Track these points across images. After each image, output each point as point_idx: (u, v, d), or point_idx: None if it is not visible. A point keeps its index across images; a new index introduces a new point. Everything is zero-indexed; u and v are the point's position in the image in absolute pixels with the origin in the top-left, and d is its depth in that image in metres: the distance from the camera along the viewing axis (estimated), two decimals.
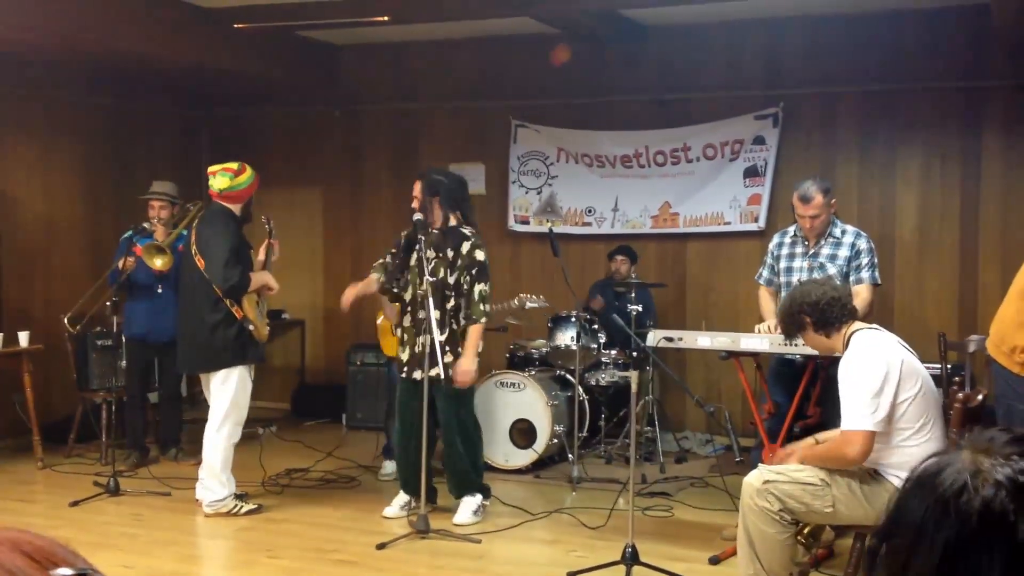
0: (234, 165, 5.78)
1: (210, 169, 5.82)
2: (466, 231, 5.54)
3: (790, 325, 4.08)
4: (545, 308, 7.04)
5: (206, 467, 5.73)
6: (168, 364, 7.05)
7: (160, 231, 6.88)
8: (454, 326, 5.45)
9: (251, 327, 5.67)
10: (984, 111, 7.33)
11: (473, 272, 5.45)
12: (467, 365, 5.40)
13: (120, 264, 6.62)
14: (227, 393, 5.67)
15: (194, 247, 5.74)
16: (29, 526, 3.74)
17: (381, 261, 5.86)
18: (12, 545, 0.80)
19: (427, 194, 5.48)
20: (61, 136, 8.05)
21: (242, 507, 5.78)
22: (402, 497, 5.64)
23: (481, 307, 5.44)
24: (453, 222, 5.52)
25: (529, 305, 6.90)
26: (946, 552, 1.10)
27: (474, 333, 5.44)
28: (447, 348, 5.40)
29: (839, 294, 4.06)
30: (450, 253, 5.46)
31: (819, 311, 3.99)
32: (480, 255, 5.47)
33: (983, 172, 7.34)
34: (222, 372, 5.66)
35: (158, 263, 6.63)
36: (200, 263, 5.67)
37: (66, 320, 7.13)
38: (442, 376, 5.24)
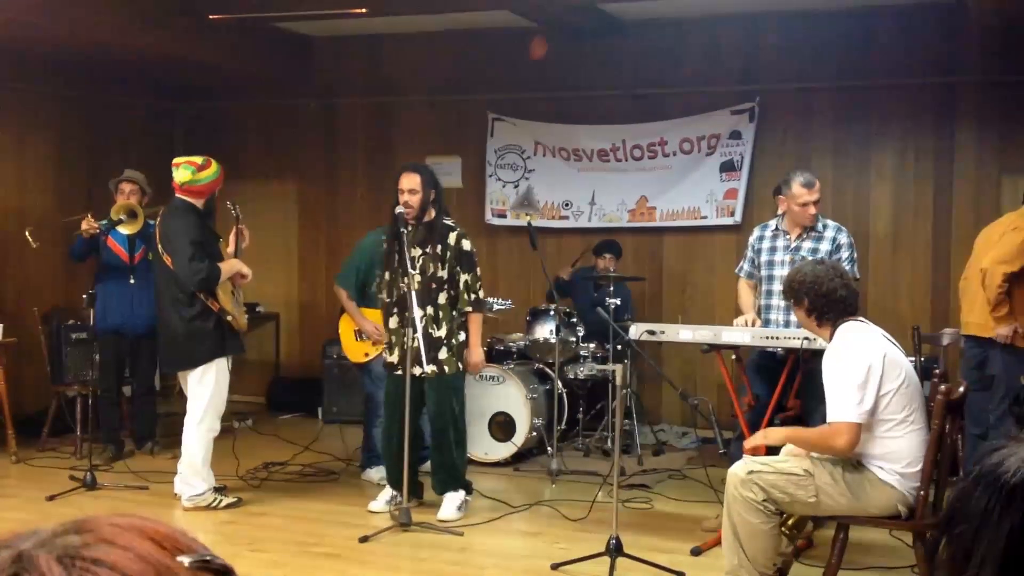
0: (198, 159, 5.66)
1: (174, 161, 5.72)
2: (449, 223, 5.55)
3: (792, 292, 4.09)
4: (511, 310, 7.09)
5: (185, 462, 5.69)
6: (142, 357, 7.02)
7: None
8: (444, 314, 5.45)
9: (229, 318, 5.63)
10: (957, 107, 7.43)
11: (462, 262, 5.47)
12: (477, 356, 5.60)
13: (83, 226, 6.42)
14: (206, 387, 5.63)
15: (160, 245, 5.68)
16: (6, 520, 3.72)
17: (343, 273, 6.07)
18: (139, 531, 0.80)
19: (428, 187, 5.44)
20: (34, 128, 7.96)
21: (221, 500, 5.75)
22: (388, 491, 5.63)
23: (470, 296, 5.48)
24: (429, 217, 5.50)
25: (497, 307, 6.93)
26: (1011, 538, 1.13)
27: (474, 322, 5.56)
28: (444, 341, 5.40)
29: (848, 292, 4.03)
30: (438, 247, 5.44)
31: (821, 301, 4.01)
32: (467, 245, 5.52)
33: (956, 167, 7.44)
34: (202, 368, 5.62)
35: (126, 230, 6.52)
36: (168, 260, 5.61)
37: (38, 313, 7.09)
38: (429, 371, 5.23)
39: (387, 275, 5.52)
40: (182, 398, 6.71)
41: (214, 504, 5.72)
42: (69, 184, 8.20)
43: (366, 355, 6.32)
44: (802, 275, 4.07)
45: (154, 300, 6.04)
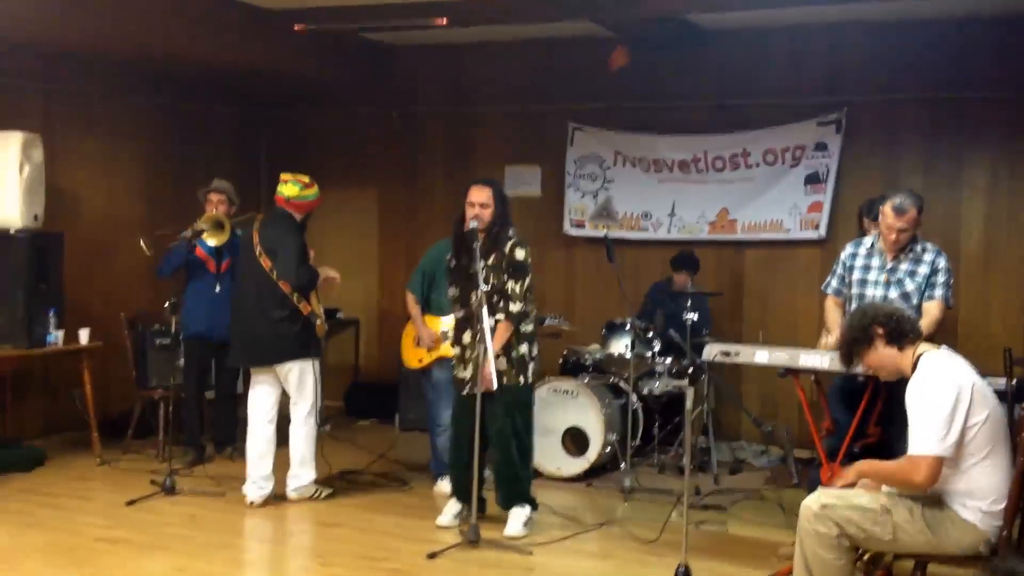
0: (305, 178, 6.06)
1: (283, 175, 6.08)
2: (509, 232, 5.50)
3: (859, 341, 3.95)
4: (564, 329, 7.04)
5: (297, 457, 6.05)
6: (225, 363, 7.13)
7: None
8: (522, 326, 5.45)
9: (318, 321, 5.97)
10: None
11: (512, 270, 5.42)
12: (487, 367, 5.18)
13: (186, 235, 6.60)
14: (308, 385, 5.99)
15: (259, 248, 5.94)
16: (86, 525, 3.79)
17: (412, 279, 6.17)
18: None
19: (499, 201, 5.46)
20: (123, 136, 8.15)
21: (322, 492, 6.13)
22: (454, 506, 5.62)
23: (507, 304, 5.36)
24: (498, 229, 5.49)
25: (548, 322, 6.88)
26: None
27: (500, 331, 5.35)
28: (505, 352, 5.39)
29: (907, 312, 3.97)
30: (499, 258, 5.43)
31: (894, 322, 3.90)
32: (520, 254, 5.44)
33: None
34: (296, 366, 5.94)
35: (213, 241, 6.68)
36: (266, 263, 5.89)
37: (124, 318, 7.27)
38: (495, 384, 5.22)
39: (456, 289, 5.52)
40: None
41: (316, 495, 6.09)
42: (157, 192, 8.39)
43: (420, 361, 6.43)
44: (861, 314, 4.01)
45: (235, 300, 6.23)
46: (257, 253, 5.94)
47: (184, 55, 7.30)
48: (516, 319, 5.39)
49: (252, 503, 5.99)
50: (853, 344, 3.99)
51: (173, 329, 6.59)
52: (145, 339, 7.37)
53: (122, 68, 7.89)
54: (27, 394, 7.36)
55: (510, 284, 5.40)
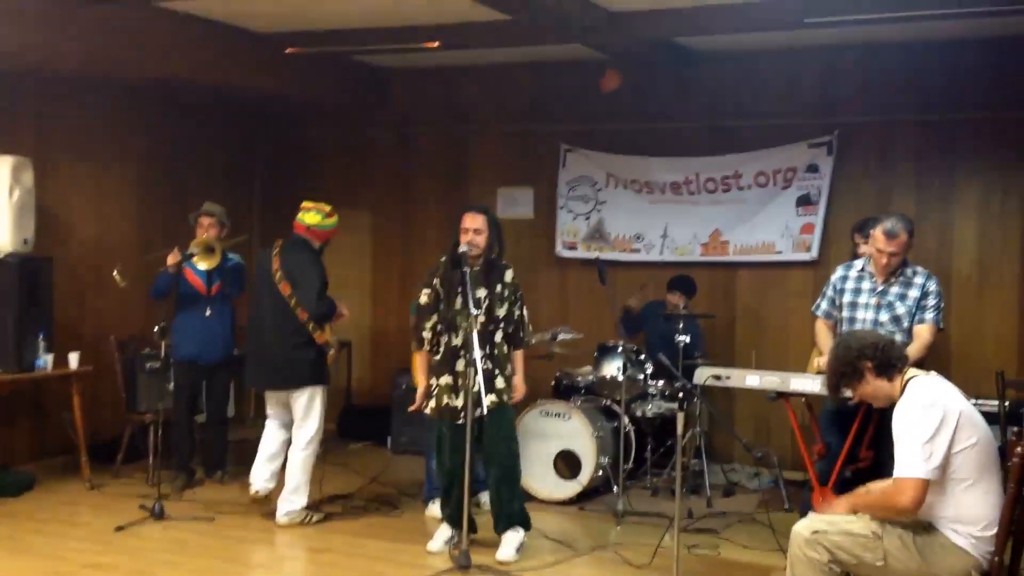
0: (327, 207, 6.25)
1: (304, 204, 6.26)
2: (503, 262, 5.62)
3: (848, 375, 3.94)
4: (578, 339, 7.02)
5: (292, 483, 6.09)
6: (216, 386, 7.12)
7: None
8: (499, 351, 5.49)
9: (331, 351, 6.16)
10: None
11: (518, 298, 5.59)
12: (522, 387, 5.63)
13: (169, 260, 6.58)
14: (315, 412, 6.12)
15: (279, 273, 6.06)
16: (74, 551, 3.75)
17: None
18: None
19: (493, 228, 5.55)
20: (114, 159, 8.13)
21: (312, 516, 6.14)
22: (445, 531, 5.59)
23: (521, 333, 5.64)
24: (494, 255, 5.57)
25: (562, 336, 6.88)
26: None
27: (519, 358, 5.65)
28: (496, 373, 5.43)
29: (892, 339, 3.96)
30: (498, 287, 5.48)
31: (881, 352, 3.88)
32: (511, 277, 5.61)
33: None
34: (307, 392, 6.08)
35: (203, 265, 6.67)
36: (285, 289, 6.02)
37: (114, 341, 7.24)
38: (488, 403, 5.25)
39: (442, 315, 5.52)
40: (256, 423, 7.18)
41: (306, 520, 6.10)
42: (149, 214, 8.36)
43: None
44: (846, 348, 3.98)
45: (251, 322, 6.27)
46: (277, 279, 6.05)
47: (177, 78, 7.30)
48: (528, 342, 5.68)
49: (257, 492, 6.20)
50: (842, 378, 3.97)
51: (163, 353, 6.55)
52: (135, 363, 7.35)
53: (114, 91, 7.88)
54: (16, 418, 7.31)
55: (518, 311, 5.59)
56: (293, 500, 6.09)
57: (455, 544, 5.43)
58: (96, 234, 7.96)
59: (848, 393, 4.05)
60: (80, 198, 7.84)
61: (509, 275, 5.56)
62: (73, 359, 6.89)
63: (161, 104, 8.38)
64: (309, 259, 6.13)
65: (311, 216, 6.18)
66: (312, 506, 6.21)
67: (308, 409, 6.12)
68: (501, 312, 5.48)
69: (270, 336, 6.08)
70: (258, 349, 6.18)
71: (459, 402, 5.41)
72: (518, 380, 5.59)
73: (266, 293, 6.14)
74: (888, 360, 3.88)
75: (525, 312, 5.64)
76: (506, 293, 5.50)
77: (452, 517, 5.53)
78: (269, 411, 6.36)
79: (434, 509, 6.24)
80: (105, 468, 7.16)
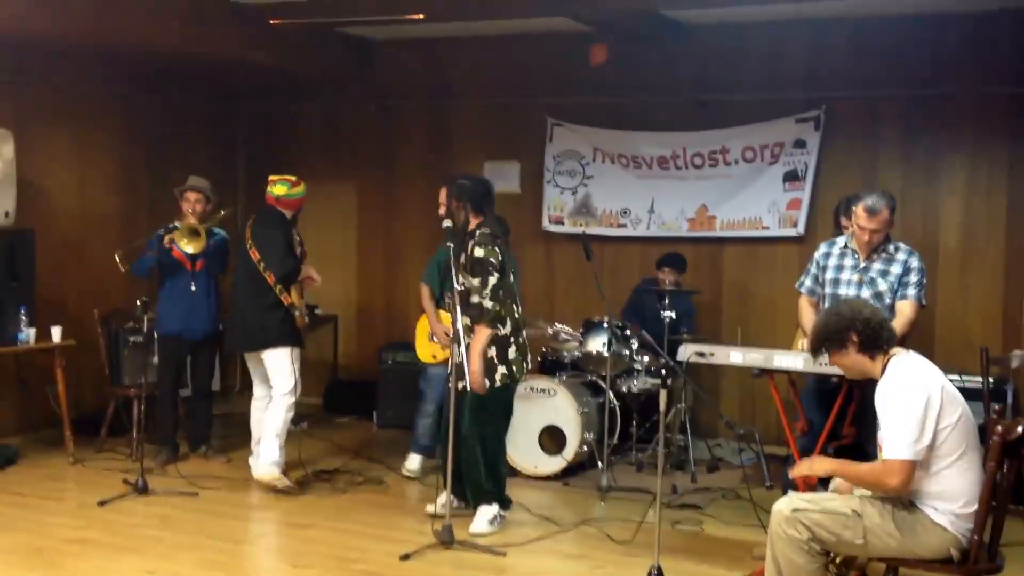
0: (292, 177, 6.46)
1: (271, 177, 6.47)
2: (476, 231, 5.37)
3: (832, 341, 3.90)
4: (576, 340, 7.03)
5: (266, 436, 6.26)
6: (201, 361, 7.08)
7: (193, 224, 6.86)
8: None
9: (296, 313, 6.33)
10: None
11: (472, 268, 5.30)
12: (472, 367, 5.21)
13: (165, 239, 6.63)
14: (285, 369, 6.28)
15: (249, 241, 6.34)
16: (56, 526, 3.75)
17: (427, 271, 6.08)
18: None
19: (452, 198, 5.43)
20: (96, 130, 8.06)
21: (284, 481, 6.24)
22: (444, 496, 5.57)
23: (483, 305, 5.26)
24: (473, 226, 5.43)
25: (563, 337, 6.90)
26: None
27: (476, 335, 5.29)
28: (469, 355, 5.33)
29: (886, 318, 3.93)
30: (463, 257, 5.38)
31: (870, 330, 3.84)
32: (479, 251, 5.27)
33: None
34: (278, 352, 6.28)
35: (190, 248, 6.64)
36: (255, 255, 6.28)
37: (97, 315, 7.20)
38: (467, 384, 5.21)
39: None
40: (242, 397, 7.38)
41: (277, 481, 6.21)
42: (131, 186, 8.30)
43: (433, 357, 6.61)
44: (837, 315, 3.91)
45: (232, 291, 6.51)
46: (248, 246, 6.33)
47: (158, 48, 7.22)
48: (489, 320, 5.29)
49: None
50: (825, 342, 3.94)
51: (146, 327, 6.53)
52: (118, 337, 7.31)
53: (94, 61, 7.80)
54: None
55: (474, 282, 5.30)
56: (263, 455, 6.26)
57: (455, 508, 5.41)
58: (78, 206, 7.90)
59: (825, 359, 4.01)
60: (62, 170, 7.78)
61: (470, 245, 5.31)
62: (56, 333, 6.84)
63: (142, 75, 8.29)
64: (274, 226, 6.35)
65: (278, 187, 6.38)
66: (299, 481, 6.34)
67: (278, 368, 6.29)
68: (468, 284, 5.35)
69: (243, 301, 6.37)
70: (234, 315, 6.47)
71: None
72: (470, 364, 5.20)
73: (241, 262, 6.43)
74: (876, 339, 3.85)
75: (478, 283, 5.25)
76: (468, 265, 5.33)
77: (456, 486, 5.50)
78: (255, 389, 6.53)
79: (411, 461, 6.64)
80: (88, 442, 7.13)
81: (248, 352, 6.48)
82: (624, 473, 6.78)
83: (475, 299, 5.30)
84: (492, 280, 5.26)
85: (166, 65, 8.13)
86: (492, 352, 5.38)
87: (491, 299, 5.26)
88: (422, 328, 6.69)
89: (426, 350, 6.67)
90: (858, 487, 3.94)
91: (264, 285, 6.27)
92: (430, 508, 5.70)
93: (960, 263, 7.31)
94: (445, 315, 6.29)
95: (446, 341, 6.14)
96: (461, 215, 5.39)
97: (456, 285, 5.20)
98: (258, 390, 6.53)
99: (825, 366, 4.69)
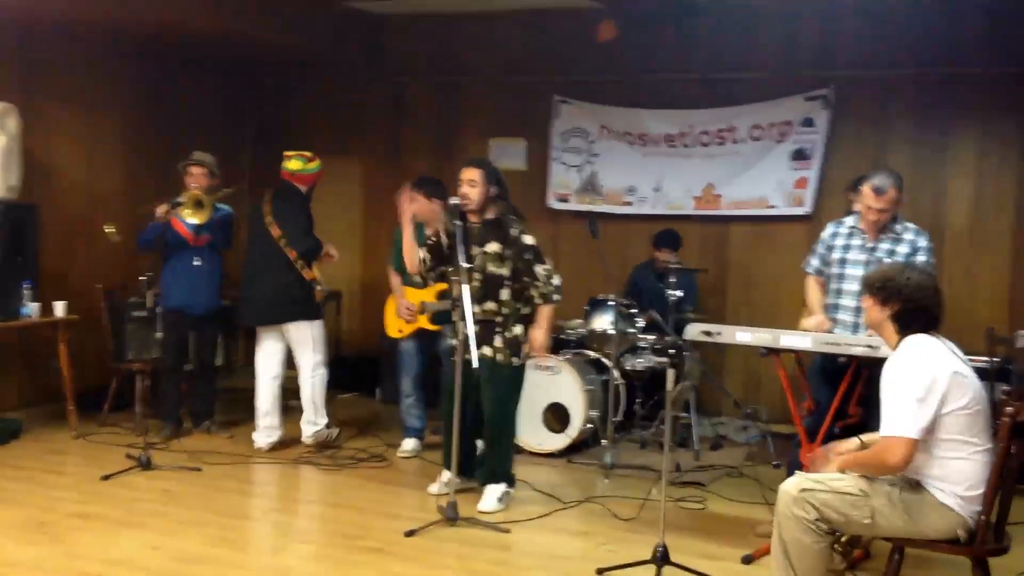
0: (308, 153, 6.63)
1: (286, 152, 6.63)
2: (510, 219, 5.49)
3: (880, 290, 3.85)
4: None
5: (308, 406, 6.63)
6: (205, 336, 7.07)
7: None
8: (508, 309, 5.41)
9: (318, 288, 6.56)
10: None
11: (527, 256, 5.42)
12: (540, 339, 5.50)
13: (158, 212, 6.57)
14: (313, 342, 6.58)
15: (269, 217, 6.48)
16: (60, 500, 3.73)
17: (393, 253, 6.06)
18: None
19: (488, 183, 5.41)
20: (104, 107, 8.01)
21: (335, 433, 6.75)
22: (445, 473, 5.58)
23: (549, 286, 5.46)
24: (493, 214, 5.44)
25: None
26: None
27: (544, 312, 5.50)
28: (498, 329, 5.39)
29: (940, 312, 3.85)
30: (497, 246, 5.38)
31: (914, 313, 3.79)
32: (529, 239, 5.46)
33: None
34: (301, 325, 6.54)
35: (194, 220, 6.61)
36: (275, 231, 6.45)
37: (101, 290, 7.19)
38: (475, 362, 5.17)
39: (433, 258, 5.55)
40: (245, 372, 7.50)
41: (330, 438, 6.68)
42: (138, 163, 8.26)
43: (399, 331, 6.71)
44: (906, 278, 3.83)
45: (245, 266, 6.68)
46: (267, 222, 6.47)
47: (167, 24, 7.17)
48: (549, 300, 5.46)
49: (260, 448, 6.57)
50: (874, 286, 3.88)
51: (150, 302, 6.52)
52: (122, 312, 7.30)
53: (102, 37, 7.74)
54: (3, 366, 7.27)
55: (538, 268, 5.43)
56: (314, 421, 6.64)
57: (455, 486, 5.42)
58: (84, 182, 7.87)
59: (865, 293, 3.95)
60: (68, 145, 7.74)
61: (515, 231, 5.42)
62: (59, 308, 6.83)
63: (150, 52, 8.23)
64: (295, 202, 6.52)
65: (293, 162, 6.55)
66: (309, 451, 6.61)
67: (304, 340, 6.56)
68: (504, 271, 5.40)
69: (262, 276, 6.50)
70: (252, 289, 6.58)
71: (454, 342, 5.42)
72: (534, 332, 5.48)
73: (259, 237, 6.55)
74: (911, 319, 3.80)
75: (541, 269, 5.44)
76: (508, 252, 5.39)
77: (448, 458, 5.51)
78: (259, 361, 6.66)
79: (405, 444, 6.68)
80: (91, 417, 7.13)
81: (271, 325, 6.59)
82: (628, 451, 6.78)
83: (539, 282, 5.44)
84: (549, 263, 5.52)
85: (174, 41, 8.07)
86: (519, 330, 5.48)
87: (553, 279, 5.49)
88: (391, 305, 6.77)
89: (392, 325, 6.74)
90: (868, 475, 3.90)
91: (285, 260, 6.43)
92: (433, 488, 5.70)
93: (968, 243, 7.28)
94: (410, 291, 6.55)
95: (407, 316, 6.52)
96: (484, 198, 5.40)
97: (464, 264, 5.17)
98: (268, 367, 6.65)
99: (832, 345, 4.70)
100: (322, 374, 6.68)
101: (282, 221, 6.48)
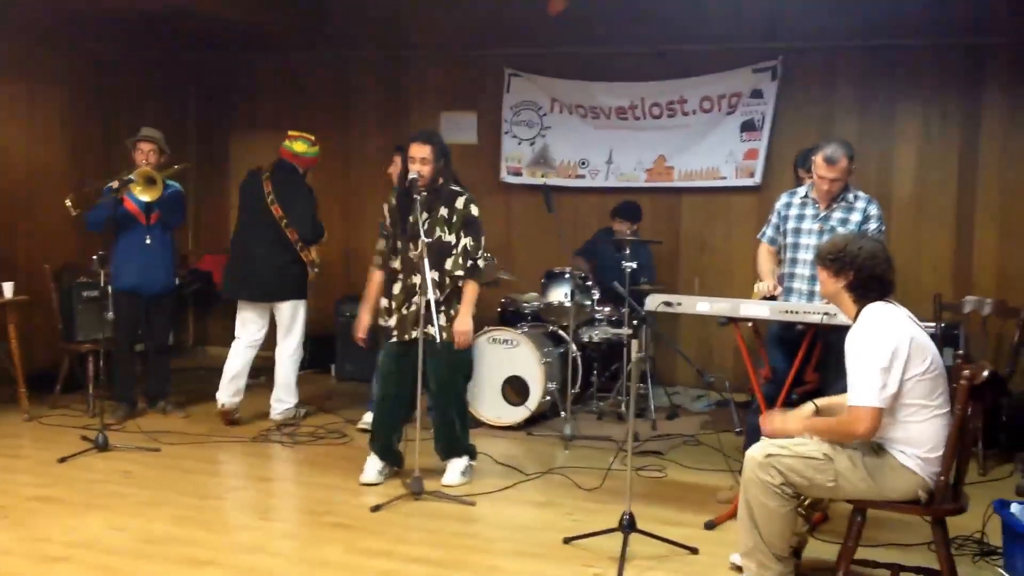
0: (311, 136, 6.79)
1: (290, 132, 6.78)
2: (457, 188, 5.42)
3: (833, 262, 3.93)
4: (509, 279, 7.09)
5: (281, 384, 6.82)
6: (157, 316, 6.96)
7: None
8: (457, 285, 5.35)
9: (314, 270, 6.73)
10: (986, 69, 7.24)
11: (467, 227, 5.35)
12: (464, 325, 5.30)
13: (112, 187, 6.49)
14: (299, 323, 6.77)
15: (271, 196, 6.57)
16: (18, 484, 3.66)
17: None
18: None
19: (439, 158, 5.33)
20: (43, 82, 7.84)
21: (302, 411, 6.91)
22: (376, 462, 5.55)
23: (466, 262, 5.32)
24: (440, 182, 5.40)
25: (500, 275, 6.91)
26: None
27: (468, 290, 5.36)
28: (442, 308, 5.30)
29: (893, 278, 3.93)
30: (444, 211, 5.34)
31: (868, 281, 3.88)
32: (475, 210, 5.38)
33: (983, 131, 7.27)
34: (291, 304, 6.71)
35: (145, 197, 6.50)
36: (277, 211, 6.55)
37: (49, 270, 7.05)
38: (439, 338, 5.12)
39: (389, 242, 5.44)
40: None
41: (297, 416, 6.84)
42: (81, 139, 8.10)
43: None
44: (858, 248, 3.90)
45: (238, 241, 6.75)
46: (269, 201, 6.55)
47: None
48: (475, 274, 5.34)
49: (223, 405, 6.65)
50: (827, 257, 3.95)
51: (102, 282, 6.40)
52: (72, 292, 7.17)
53: (41, 13, 7.55)
54: None
55: (467, 241, 5.32)
56: (285, 399, 6.82)
57: (387, 474, 5.45)
58: (26, 159, 7.71)
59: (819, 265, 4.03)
60: (8, 120, 7.56)
61: (462, 202, 5.35)
62: (7, 288, 6.70)
63: (91, 26, 8.05)
64: (300, 185, 6.68)
65: (299, 144, 6.69)
66: (300, 404, 6.92)
67: (292, 320, 6.73)
68: (450, 239, 5.33)
69: (260, 253, 6.58)
70: (245, 264, 6.66)
71: (393, 321, 5.38)
72: (459, 318, 5.29)
73: (256, 213, 6.62)
74: (866, 288, 3.88)
75: (474, 243, 5.33)
76: (455, 220, 5.33)
77: (384, 449, 5.49)
78: (245, 334, 6.76)
79: (366, 418, 6.52)
80: (42, 399, 7.02)
81: (264, 302, 6.71)
82: (585, 422, 6.85)
83: (459, 257, 5.30)
84: (483, 239, 5.39)
85: (117, 15, 7.90)
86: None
87: (476, 257, 5.34)
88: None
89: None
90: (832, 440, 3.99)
91: (285, 240, 6.56)
92: (365, 478, 5.51)
93: (914, 212, 7.44)
94: None
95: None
96: (435, 172, 5.34)
97: (426, 238, 5.15)
98: (248, 334, 6.76)
99: (790, 314, 4.79)
100: (299, 356, 6.84)
101: (287, 203, 6.57)
